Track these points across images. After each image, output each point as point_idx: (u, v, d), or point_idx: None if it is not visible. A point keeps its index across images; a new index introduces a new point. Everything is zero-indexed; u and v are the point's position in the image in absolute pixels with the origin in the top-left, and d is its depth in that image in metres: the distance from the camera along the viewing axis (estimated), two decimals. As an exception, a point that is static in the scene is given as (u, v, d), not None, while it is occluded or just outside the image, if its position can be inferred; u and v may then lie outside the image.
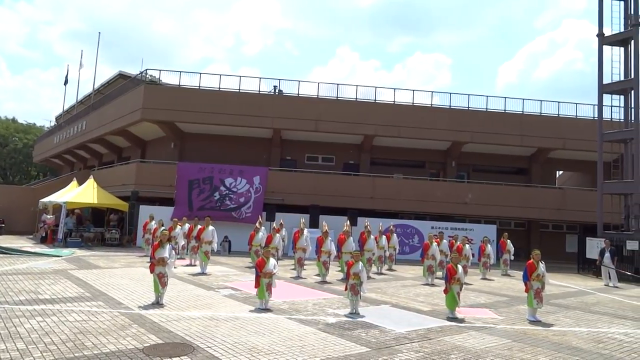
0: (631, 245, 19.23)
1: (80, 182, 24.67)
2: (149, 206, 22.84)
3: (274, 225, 18.33)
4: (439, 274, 15.38)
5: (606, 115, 22.20)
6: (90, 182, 23.28)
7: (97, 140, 31.79)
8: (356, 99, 26.02)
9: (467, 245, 16.56)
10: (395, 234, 18.71)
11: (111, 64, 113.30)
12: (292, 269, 16.02)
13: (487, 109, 26.51)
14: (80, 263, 15.68)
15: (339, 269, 15.42)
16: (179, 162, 24.42)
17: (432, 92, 27.05)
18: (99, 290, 10.89)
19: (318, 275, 14.80)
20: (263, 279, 9.70)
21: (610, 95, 22.46)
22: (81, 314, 8.49)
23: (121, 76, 32.73)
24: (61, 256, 17.32)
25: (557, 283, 16.91)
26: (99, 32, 38.50)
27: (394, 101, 26.16)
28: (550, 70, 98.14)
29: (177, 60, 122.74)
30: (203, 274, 14.47)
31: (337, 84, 26.12)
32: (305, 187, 23.86)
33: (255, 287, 9.80)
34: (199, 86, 25.37)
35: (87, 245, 21.52)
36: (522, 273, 10.52)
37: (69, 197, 22.43)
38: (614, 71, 21.98)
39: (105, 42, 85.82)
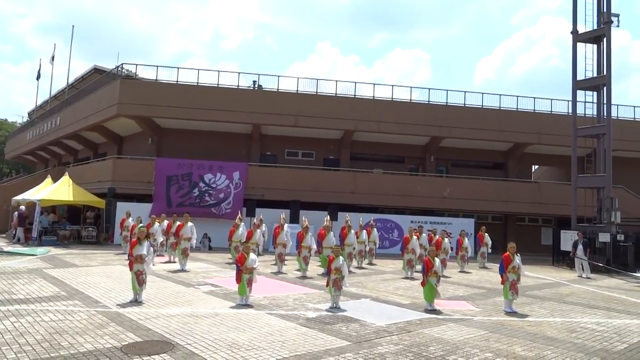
0: (603, 237, 19.78)
1: (55, 179, 24.16)
2: (126, 203, 22.44)
3: (254, 220, 18.30)
4: (419, 267, 15.55)
5: (580, 111, 22.72)
6: (66, 179, 22.82)
7: (72, 136, 31.16)
8: (336, 94, 26.03)
9: (445, 239, 16.83)
10: (375, 229, 18.85)
11: (86, 58, 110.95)
12: (273, 265, 16.02)
13: (465, 104, 26.82)
14: (56, 262, 15.39)
15: (320, 264, 15.48)
16: (157, 158, 24.12)
17: (411, 87, 27.28)
18: (76, 289, 10.71)
19: (299, 270, 14.82)
20: (244, 274, 9.68)
21: (584, 92, 22.99)
22: (57, 314, 8.34)
23: (96, 71, 32.07)
24: (36, 255, 16.96)
25: (533, 275, 17.29)
26: (73, 26, 37.64)
27: (373, 96, 26.25)
28: (526, 67, 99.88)
29: (154, 54, 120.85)
30: (182, 270, 14.35)
31: (317, 79, 26.12)
32: (286, 183, 23.83)
33: (237, 282, 9.78)
34: (177, 81, 25.03)
35: (63, 244, 21.12)
36: (498, 266, 10.74)
37: (43, 194, 21.95)
38: (588, 68, 22.45)
39: (79, 35, 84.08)
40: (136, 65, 26.35)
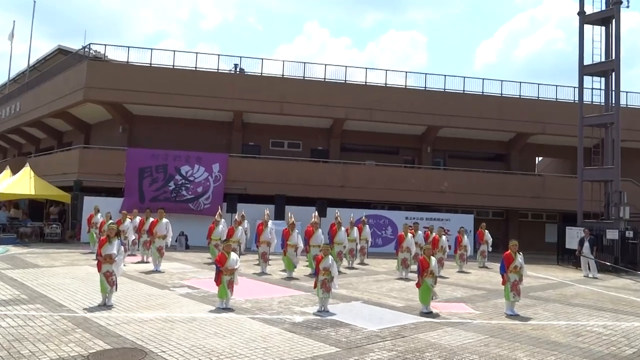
0: (611, 234, 20.01)
1: (15, 171, 23.79)
2: (94, 197, 22.24)
3: (236, 217, 18.20)
4: (414, 267, 15.63)
5: (587, 98, 22.93)
6: (27, 171, 22.49)
7: (33, 123, 30.72)
8: (325, 79, 25.97)
9: (443, 237, 16.90)
10: (367, 225, 18.89)
11: (49, 37, 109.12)
12: (256, 265, 16.00)
13: (464, 91, 26.94)
14: (16, 262, 15.19)
15: (307, 264, 15.48)
16: (129, 148, 23.89)
17: (406, 72, 27.11)
18: (38, 292, 10.58)
19: (284, 271, 14.81)
20: (224, 275, 9.64)
21: (591, 77, 23.17)
22: (17, 319, 8.23)
23: (61, 51, 31.58)
24: (-7, 254, 16.72)
25: (536, 275, 17.49)
26: (34, 1, 36.93)
27: (365, 82, 26.24)
28: (530, 50, 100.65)
29: (125, 34, 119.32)
30: (156, 271, 14.26)
31: (304, 63, 26.04)
32: (270, 175, 23.76)
33: (216, 284, 9.74)
34: (150, 63, 24.76)
35: (24, 242, 20.86)
36: (499, 265, 10.82)
37: (1, 188, 21.63)
38: (595, 52, 22.63)
39: (41, 12, 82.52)
40: (105, 45, 26.09)
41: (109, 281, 9.51)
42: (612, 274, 18.75)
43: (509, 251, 10.61)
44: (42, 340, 7.07)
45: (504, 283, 10.51)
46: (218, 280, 9.69)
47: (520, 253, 10.69)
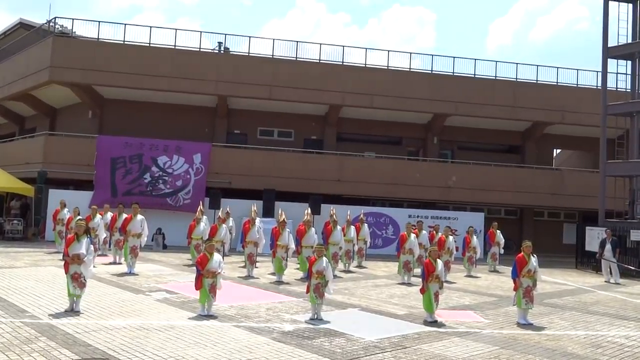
0: (636, 235, 20.06)
1: (-29, 161, 23.70)
2: (61, 190, 22.19)
3: (219, 214, 18.19)
4: (417, 270, 15.69)
5: (611, 84, 23.00)
6: (-16, 160, 22.38)
7: (-9, 107, 30.51)
8: (320, 60, 25.93)
9: (450, 237, 16.94)
10: (365, 224, 18.92)
11: (9, 9, 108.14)
12: (242, 267, 16.01)
13: (475, 75, 26.98)
14: (-28, 262, 15.12)
15: (298, 266, 15.51)
16: (99, 136, 23.80)
17: (410, 53, 27.11)
18: (-3, 296, 10.54)
19: (273, 274, 14.82)
20: (206, 279, 9.64)
21: (616, 61, 23.21)
22: (-27, 326, 8.21)
23: (22, 26, 31.36)
24: (-53, 254, 16.64)
25: (552, 280, 17.60)
26: (-7, -31, 36.65)
27: (365, 64, 26.20)
28: (548, 30, 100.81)
29: (95, 7, 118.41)
30: (130, 273, 14.25)
31: (297, 42, 26.02)
32: (258, 168, 23.74)
33: (197, 288, 9.74)
34: (124, 40, 24.64)
35: (-19, 240, 20.79)
36: (511, 269, 10.88)
37: (-45, 179, 21.53)
38: (621, 32, 22.66)
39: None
40: (73, 20, 25.88)
41: (77, 284, 9.49)
42: (637, 280, 18.85)
43: (522, 253, 10.65)
44: (1, 350, 7.04)
45: (515, 289, 10.56)
46: (198, 284, 9.69)
47: (535, 256, 10.74)
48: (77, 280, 9.49)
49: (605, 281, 18.21)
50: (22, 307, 9.70)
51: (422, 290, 10.29)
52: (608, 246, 18.54)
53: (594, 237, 20.69)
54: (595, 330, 10.25)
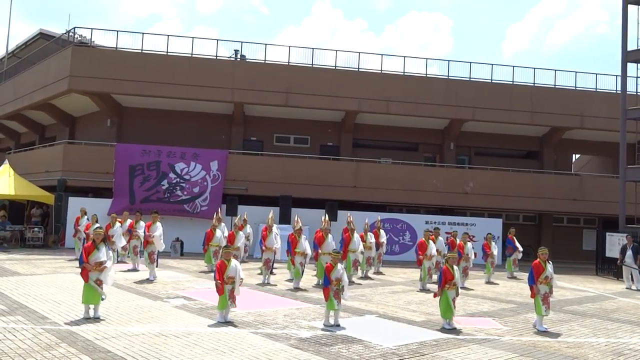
0: (657, 241, 19.86)
1: (-7, 169, 24.04)
2: (80, 198, 22.44)
3: (236, 221, 18.26)
4: (435, 277, 15.61)
5: (631, 88, 22.74)
6: (6, 168, 22.71)
7: (12, 116, 30.97)
8: (336, 66, 25.95)
9: (468, 244, 16.87)
10: (382, 230, 18.88)
11: (30, 20, 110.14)
12: (259, 274, 16.04)
13: (492, 80, 26.82)
14: (-6, 269, 15.34)
15: (315, 272, 15.51)
16: (118, 144, 24.03)
17: (426, 59, 27.03)
18: (18, 302, 10.69)
19: (289, 280, 14.83)
20: (225, 285, 9.70)
21: (636, 65, 22.99)
22: (-4, 332, 8.33)
23: (43, 36, 31.84)
24: (-31, 261, 16.91)
25: (572, 287, 17.40)
26: (14, -20, 37.29)
27: (381, 70, 26.20)
28: (567, 35, 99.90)
29: (114, 17, 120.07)
30: (148, 280, 14.36)
31: (313, 49, 26.02)
32: (274, 174, 23.80)
33: (219, 293, 9.74)
34: (142, 49, 24.91)
35: (3, 247, 21.05)
36: (527, 275, 10.79)
37: (-22, 187, 21.85)
38: (641, 36, 22.48)
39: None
40: (92, 30, 26.37)
41: (97, 290, 9.62)
42: (659, 286, 18.59)
43: (538, 260, 10.59)
44: (23, 356, 7.14)
45: (532, 296, 10.51)
46: (221, 289, 9.71)
47: (550, 262, 10.68)
48: (100, 286, 9.68)
49: (627, 288, 18.00)
50: (43, 313, 9.82)
51: (436, 295, 10.27)
52: (629, 252, 18.38)
53: (615, 243, 20.48)
54: (616, 337, 10.12)
